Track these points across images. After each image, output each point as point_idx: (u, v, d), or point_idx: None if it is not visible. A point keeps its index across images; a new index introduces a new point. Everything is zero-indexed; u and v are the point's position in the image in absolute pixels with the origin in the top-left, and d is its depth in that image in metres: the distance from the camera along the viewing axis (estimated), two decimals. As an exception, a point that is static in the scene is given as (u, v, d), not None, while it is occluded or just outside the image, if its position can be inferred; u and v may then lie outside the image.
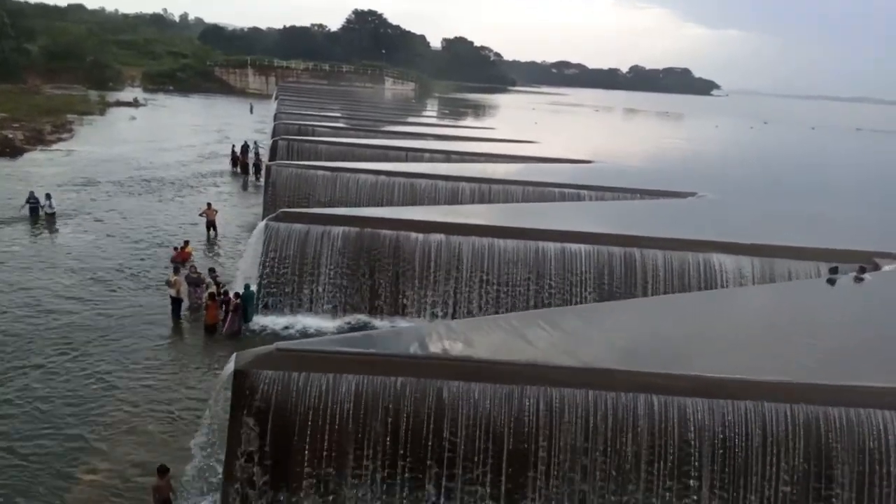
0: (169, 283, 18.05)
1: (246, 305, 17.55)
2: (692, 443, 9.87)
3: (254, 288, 17.92)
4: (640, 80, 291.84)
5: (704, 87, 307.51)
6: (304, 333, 16.82)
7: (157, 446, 12.20)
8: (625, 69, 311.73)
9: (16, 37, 77.20)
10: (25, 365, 14.83)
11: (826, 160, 60.34)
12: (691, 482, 9.91)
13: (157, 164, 39.28)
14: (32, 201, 25.99)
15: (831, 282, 16.53)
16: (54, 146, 43.66)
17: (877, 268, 17.42)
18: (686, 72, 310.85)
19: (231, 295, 17.41)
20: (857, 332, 13.45)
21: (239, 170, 39.20)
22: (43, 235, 24.49)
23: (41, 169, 35.89)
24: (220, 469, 10.73)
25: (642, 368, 10.43)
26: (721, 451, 9.87)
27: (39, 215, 25.87)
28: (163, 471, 10.30)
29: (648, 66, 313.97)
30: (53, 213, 26.17)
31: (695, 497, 9.91)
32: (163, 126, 58.12)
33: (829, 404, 10.01)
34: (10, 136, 41.42)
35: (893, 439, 9.83)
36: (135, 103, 73.13)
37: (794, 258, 18.19)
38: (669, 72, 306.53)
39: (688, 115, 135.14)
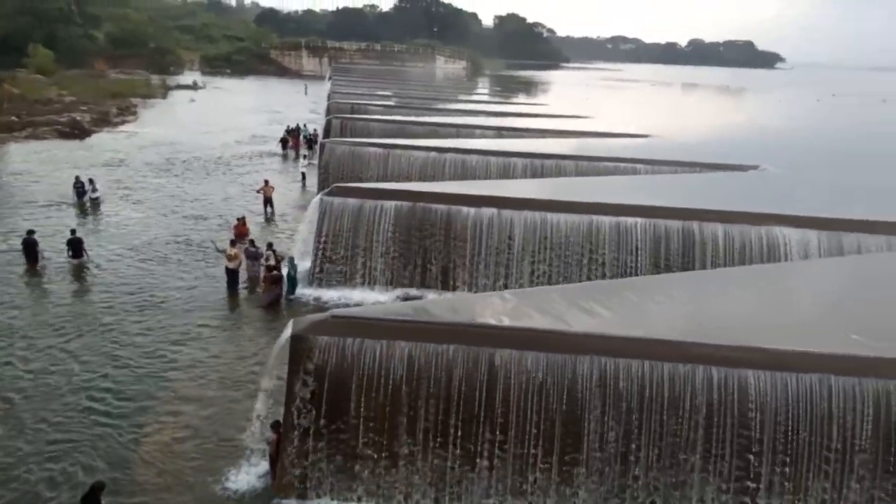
0: (228, 256, 18.62)
1: (290, 278, 17.99)
2: (753, 417, 9.58)
3: (297, 261, 18.36)
4: (699, 54, 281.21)
5: (768, 60, 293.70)
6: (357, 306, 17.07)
7: (217, 411, 12.69)
8: (683, 43, 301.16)
9: (83, 24, 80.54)
10: (86, 331, 15.63)
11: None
12: (752, 457, 9.64)
13: (213, 145, 40.36)
14: (78, 186, 26.33)
15: (906, 256, 15.65)
16: (119, 128, 45.46)
17: (956, 242, 16.38)
18: (749, 44, 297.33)
19: (265, 266, 18.11)
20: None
21: (289, 151, 39.50)
22: (89, 216, 24.97)
23: (103, 150, 37.40)
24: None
25: (701, 340, 10.15)
26: (784, 427, 9.55)
27: (84, 200, 26.07)
28: (276, 426, 10.69)
29: (708, 39, 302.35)
30: (97, 198, 26.23)
31: (755, 473, 9.64)
32: (220, 108, 59.58)
33: (901, 379, 9.53)
34: (79, 118, 43.32)
35: (973, 417, 9.30)
36: (194, 86, 75.27)
37: (863, 231, 17.30)
38: (731, 45, 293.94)
39: (750, 89, 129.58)
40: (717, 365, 9.73)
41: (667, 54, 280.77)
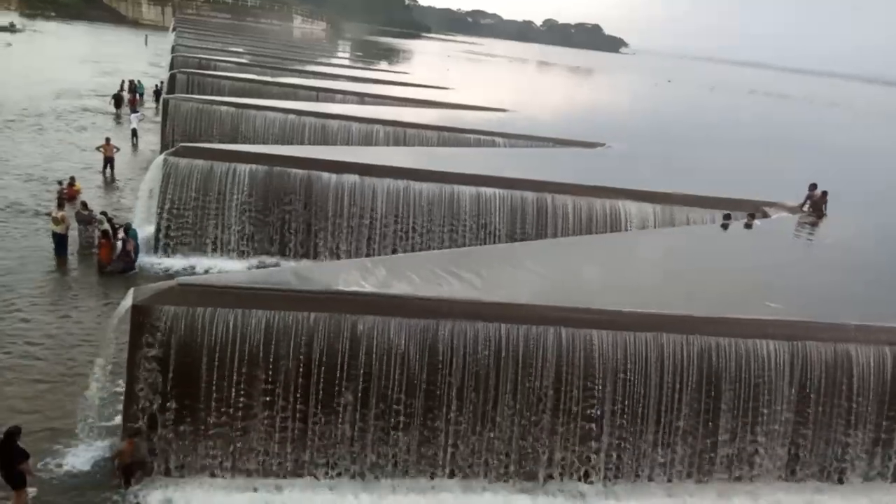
0: (54, 220, 16.59)
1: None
2: (596, 371, 10.32)
3: (136, 227, 16.93)
4: (552, 34, 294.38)
5: (614, 45, 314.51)
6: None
7: (45, 392, 11.38)
8: (539, 22, 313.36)
9: None
10: None
11: (722, 117, 63.70)
12: (594, 408, 10.40)
13: (37, 96, 35.64)
14: None
15: (724, 227, 17.58)
16: None
17: (765, 215, 18.69)
18: (597, 28, 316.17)
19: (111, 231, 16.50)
20: (745, 271, 14.42)
21: (124, 110, 35.10)
22: None
23: None
24: (118, 412, 10.19)
25: (552, 303, 10.71)
26: (622, 378, 10.39)
27: None
28: (132, 433, 9.43)
29: (561, 20, 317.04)
30: None
31: (598, 421, 10.43)
32: (45, 56, 52.69)
33: (720, 335, 10.71)
34: None
35: (776, 366, 10.72)
36: (10, 28, 65.81)
37: (692, 206, 19.16)
38: (581, 27, 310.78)
39: (598, 71, 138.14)
40: (565, 326, 10.32)
41: (523, 32, 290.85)
